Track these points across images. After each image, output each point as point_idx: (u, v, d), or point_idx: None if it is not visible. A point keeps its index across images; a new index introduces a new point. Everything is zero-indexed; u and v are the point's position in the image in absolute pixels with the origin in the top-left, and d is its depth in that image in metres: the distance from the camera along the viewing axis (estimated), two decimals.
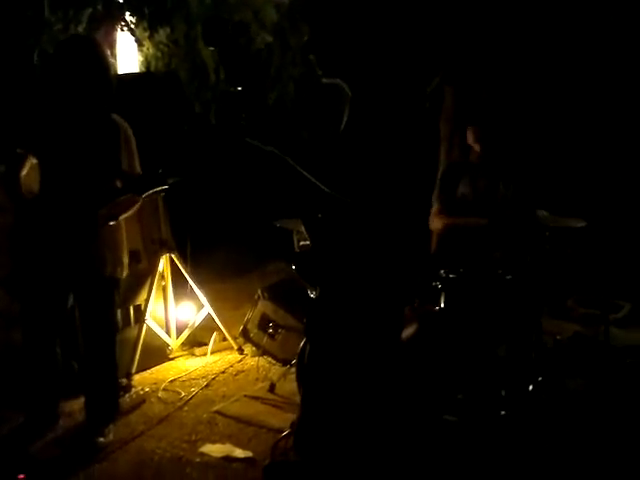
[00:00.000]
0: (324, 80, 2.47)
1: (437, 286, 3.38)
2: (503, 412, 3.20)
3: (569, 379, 3.63)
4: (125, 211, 3.23)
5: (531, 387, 3.33)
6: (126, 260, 3.33)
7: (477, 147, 3.74)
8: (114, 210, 3.17)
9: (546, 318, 3.74)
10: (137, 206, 3.29)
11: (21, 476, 2.94)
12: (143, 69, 5.61)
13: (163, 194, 4.11)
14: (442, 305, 3.37)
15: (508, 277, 3.34)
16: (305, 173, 2.27)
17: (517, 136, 4.00)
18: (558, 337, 4.10)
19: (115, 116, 3.20)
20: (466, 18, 4.98)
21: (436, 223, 3.81)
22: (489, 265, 3.42)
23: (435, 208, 3.80)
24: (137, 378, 4.07)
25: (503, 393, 3.24)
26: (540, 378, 3.40)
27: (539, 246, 3.48)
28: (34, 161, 3.00)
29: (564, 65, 5.25)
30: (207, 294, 4.46)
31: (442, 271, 3.38)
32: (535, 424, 3.20)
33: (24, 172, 2.98)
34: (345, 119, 2.47)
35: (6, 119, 3.29)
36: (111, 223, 3.18)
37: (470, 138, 3.76)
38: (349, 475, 2.70)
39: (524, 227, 3.58)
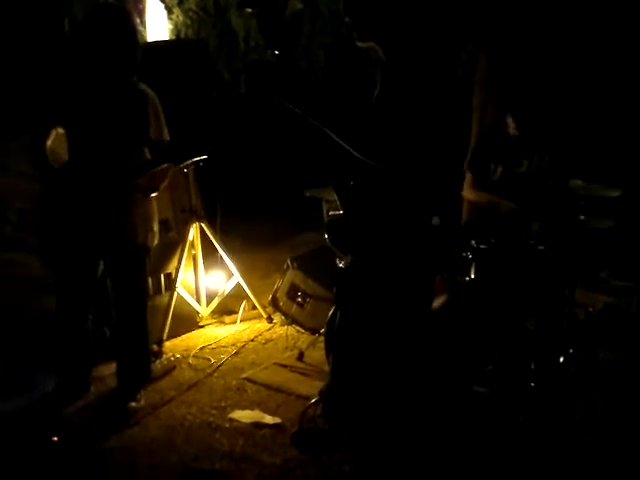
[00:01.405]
0: (359, 44, 2.44)
1: (468, 256, 3.34)
2: (533, 384, 3.18)
3: (601, 351, 3.58)
4: (163, 181, 3.24)
5: (562, 359, 3.29)
6: (157, 228, 3.34)
7: (512, 124, 3.63)
8: (154, 182, 3.18)
9: (579, 289, 3.68)
10: (171, 175, 3.30)
11: (55, 439, 3.00)
12: (173, 37, 5.58)
13: (201, 164, 4.11)
14: (472, 276, 3.33)
15: (540, 248, 3.29)
16: (337, 139, 2.25)
17: (553, 106, 3.91)
18: (590, 309, 4.04)
19: (142, 85, 3.18)
20: None
21: (469, 194, 3.76)
22: (521, 236, 3.37)
23: (468, 179, 3.74)
24: (168, 345, 4.13)
25: (533, 365, 3.22)
26: (571, 350, 3.36)
27: (572, 216, 3.41)
28: (61, 130, 3.00)
29: (603, 29, 5.11)
30: (237, 263, 4.48)
31: (473, 241, 3.34)
32: (565, 396, 3.18)
33: (49, 142, 2.98)
34: (378, 84, 2.44)
35: (33, 88, 3.29)
36: (153, 195, 3.19)
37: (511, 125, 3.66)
38: (377, 442, 2.71)
39: (557, 197, 3.52)
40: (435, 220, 2.45)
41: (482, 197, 3.68)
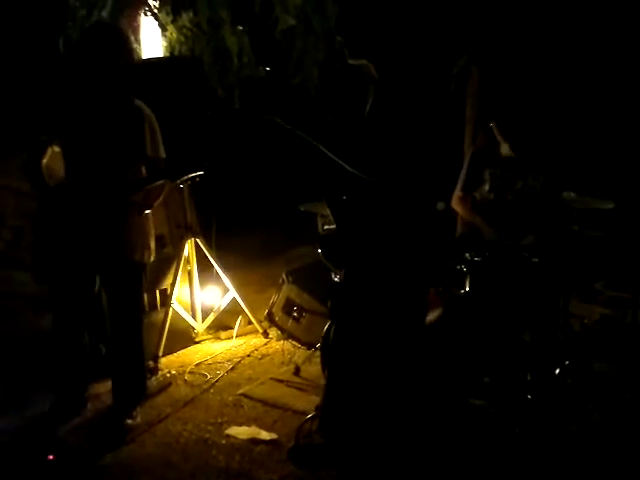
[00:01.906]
0: (350, 61, 2.46)
1: (462, 269, 3.35)
2: (529, 396, 3.18)
3: (596, 363, 3.59)
4: (158, 197, 3.25)
5: (558, 371, 3.30)
6: (153, 245, 3.35)
7: (505, 145, 3.67)
8: (149, 199, 3.19)
9: (574, 301, 3.70)
10: (166, 191, 3.31)
11: (50, 457, 2.99)
12: (167, 54, 5.61)
13: (197, 179, 4.11)
14: (467, 288, 3.34)
15: (534, 260, 3.30)
16: (328, 153, 2.27)
17: (545, 123, 3.93)
18: (585, 321, 4.05)
19: (138, 102, 3.20)
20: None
21: (457, 207, 3.78)
22: (515, 248, 3.38)
23: (458, 193, 3.76)
24: (164, 361, 4.11)
25: (529, 377, 3.22)
26: (567, 362, 3.36)
27: (566, 228, 3.44)
28: (56, 148, 3.02)
29: (595, 44, 5.15)
30: (232, 278, 4.48)
31: (467, 254, 3.35)
32: (562, 408, 3.18)
33: (46, 159, 3.00)
34: (370, 100, 2.46)
35: (29, 107, 3.31)
36: (147, 212, 3.21)
37: (495, 133, 3.69)
38: (373, 457, 2.71)
39: (551, 210, 3.54)
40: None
41: (469, 216, 3.71)
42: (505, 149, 3.68)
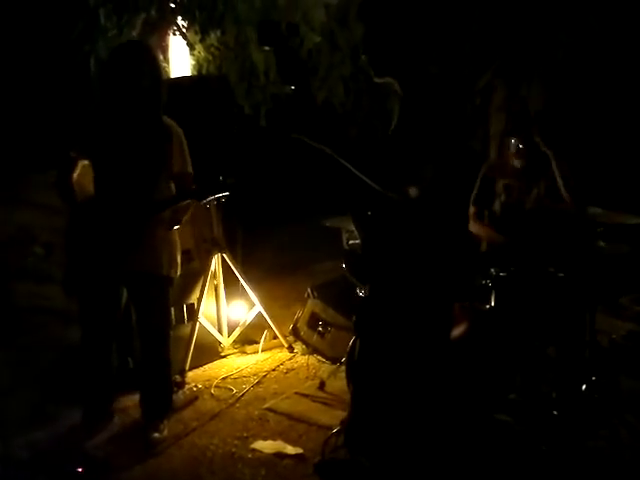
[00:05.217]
0: (376, 79, 2.49)
1: (488, 284, 3.35)
2: (555, 412, 3.16)
3: (624, 379, 3.54)
4: (186, 214, 3.30)
5: (584, 387, 3.27)
6: (179, 259, 3.39)
7: (517, 162, 3.68)
8: (177, 215, 3.24)
9: (601, 316, 3.66)
10: (192, 208, 3.36)
11: (80, 470, 3.03)
12: (195, 72, 5.70)
13: (223, 200, 4.14)
14: (493, 304, 3.33)
15: (560, 275, 3.29)
16: (355, 170, 2.29)
17: (567, 135, 3.92)
18: (613, 336, 4.01)
19: (167, 119, 3.25)
20: (516, 14, 4.92)
21: (472, 226, 3.76)
22: (540, 263, 3.37)
23: (472, 210, 3.74)
24: (190, 375, 4.15)
25: (555, 393, 3.20)
26: (594, 378, 3.34)
27: (592, 243, 3.42)
28: (85, 163, 3.08)
29: (619, 53, 5.13)
30: (258, 293, 4.51)
31: (492, 269, 3.35)
32: (588, 424, 3.15)
33: (76, 175, 3.07)
34: (395, 117, 2.48)
35: (59, 123, 3.39)
36: (175, 227, 3.26)
37: (511, 149, 3.70)
38: (399, 472, 2.71)
39: (577, 224, 3.53)
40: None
41: (478, 230, 3.71)
42: (517, 163, 3.69)
